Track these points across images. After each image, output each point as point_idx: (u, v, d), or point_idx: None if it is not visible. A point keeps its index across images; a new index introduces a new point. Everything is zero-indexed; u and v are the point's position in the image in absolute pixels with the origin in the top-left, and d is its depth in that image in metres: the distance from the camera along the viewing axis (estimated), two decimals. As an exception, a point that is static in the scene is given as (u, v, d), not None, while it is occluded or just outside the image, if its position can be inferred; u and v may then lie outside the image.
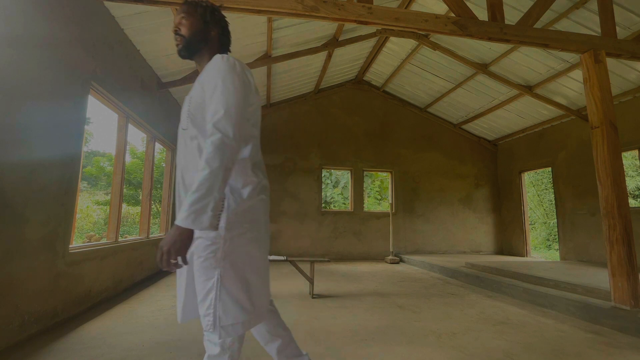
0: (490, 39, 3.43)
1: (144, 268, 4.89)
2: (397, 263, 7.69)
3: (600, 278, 4.17)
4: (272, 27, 5.13)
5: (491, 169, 9.34)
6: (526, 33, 3.46)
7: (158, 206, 10.86)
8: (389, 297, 4.15)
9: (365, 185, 13.51)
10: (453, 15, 3.40)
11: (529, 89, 6.59)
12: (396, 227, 8.38)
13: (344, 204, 14.94)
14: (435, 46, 6.32)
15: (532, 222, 13.94)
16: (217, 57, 1.28)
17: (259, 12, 2.99)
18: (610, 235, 3.22)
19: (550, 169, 7.78)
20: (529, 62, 5.96)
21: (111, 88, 3.74)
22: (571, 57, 5.44)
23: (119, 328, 2.79)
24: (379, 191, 15.70)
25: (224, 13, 2.88)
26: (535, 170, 9.02)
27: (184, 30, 1.37)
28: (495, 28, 3.40)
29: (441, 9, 5.43)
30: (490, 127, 8.71)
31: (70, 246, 3.06)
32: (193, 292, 1.29)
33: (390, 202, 8.63)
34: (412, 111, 9.09)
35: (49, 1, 2.70)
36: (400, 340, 2.59)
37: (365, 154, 8.67)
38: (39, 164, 2.59)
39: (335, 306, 3.63)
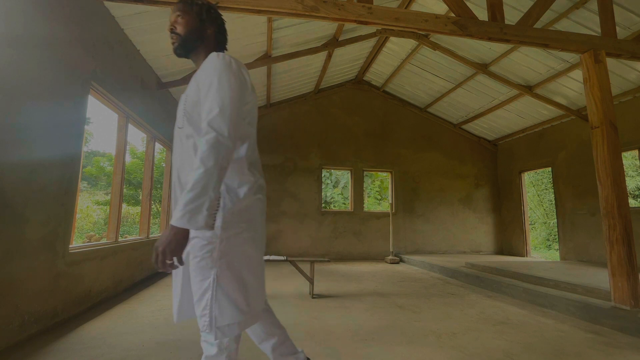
0: (490, 39, 3.43)
1: (144, 268, 4.89)
2: (397, 263, 7.69)
3: (600, 278, 4.17)
4: (272, 27, 5.13)
5: (491, 169, 9.34)
6: (526, 33, 3.46)
7: (158, 206, 10.86)
8: (389, 297, 4.15)
9: (365, 185, 13.52)
10: (453, 15, 3.40)
11: (529, 89, 6.59)
12: (396, 227, 8.38)
13: (344, 204, 14.94)
14: (435, 46, 6.32)
15: (532, 222, 13.94)
16: (213, 55, 1.26)
17: (259, 12, 3.00)
18: (610, 235, 3.22)
19: (550, 169, 7.79)
20: (529, 62, 5.96)
21: (111, 88, 3.74)
22: (571, 57, 5.44)
23: (119, 328, 2.79)
24: (379, 191, 15.70)
25: (224, 13, 2.89)
26: (535, 170, 9.02)
27: (179, 29, 1.36)
28: (495, 28, 3.40)
29: (441, 9, 5.43)
30: (490, 127, 8.71)
31: (70, 246, 3.06)
32: (189, 292, 1.28)
33: (390, 202, 8.63)
34: (412, 111, 9.09)
35: (49, 1, 2.70)
36: (400, 340, 2.59)
37: (365, 154, 8.67)
38: (39, 164, 2.59)
39: (335, 306, 3.62)
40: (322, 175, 9.56)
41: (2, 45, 2.22)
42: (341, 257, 8.08)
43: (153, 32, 4.26)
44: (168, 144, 5.98)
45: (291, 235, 7.96)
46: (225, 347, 1.23)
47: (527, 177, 12.91)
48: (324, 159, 8.43)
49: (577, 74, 5.76)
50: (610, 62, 5.04)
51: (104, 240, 4.29)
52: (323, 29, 5.83)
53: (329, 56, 6.80)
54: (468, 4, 4.81)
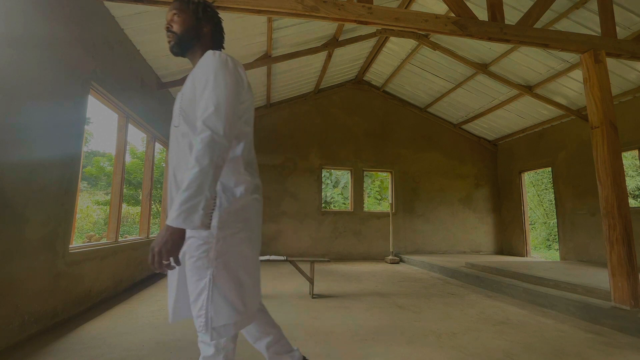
0: (490, 39, 3.43)
1: (144, 268, 4.89)
2: (397, 263, 7.69)
3: (600, 278, 4.17)
4: (272, 27, 5.13)
5: (491, 169, 9.34)
6: (526, 33, 3.46)
7: (158, 206, 10.86)
8: (389, 297, 4.15)
9: (365, 185, 13.52)
10: (453, 15, 3.40)
11: (529, 89, 6.59)
12: (396, 227, 8.38)
13: (344, 204, 14.94)
14: (435, 46, 6.32)
15: (532, 222, 13.94)
16: (209, 53, 1.25)
17: (258, 12, 3.00)
18: (610, 235, 3.22)
19: (550, 169, 7.79)
20: (529, 62, 5.96)
21: (111, 88, 3.74)
22: (571, 57, 5.44)
23: (119, 328, 2.79)
24: (379, 191, 15.70)
25: (224, 13, 2.89)
26: (535, 170, 9.02)
27: (176, 27, 1.35)
28: (495, 28, 3.40)
29: (441, 9, 5.43)
30: (490, 127, 8.71)
31: (70, 246, 3.06)
32: (184, 292, 1.26)
33: (390, 202, 8.63)
34: (412, 111, 9.09)
35: (49, 1, 2.70)
36: (400, 340, 2.59)
37: (365, 154, 8.67)
38: (39, 164, 2.59)
39: (335, 306, 3.62)
40: (322, 175, 9.56)
41: (2, 45, 2.22)
42: (341, 257, 8.08)
43: (153, 32, 4.26)
44: (168, 144, 5.97)
45: (291, 235, 7.96)
46: (223, 347, 1.22)
47: (527, 177, 12.91)
48: (324, 159, 8.43)
49: (577, 74, 5.76)
50: (610, 62, 5.05)
51: (104, 240, 4.29)
52: (323, 29, 5.83)
53: (329, 56, 6.80)
54: (468, 4, 4.81)
